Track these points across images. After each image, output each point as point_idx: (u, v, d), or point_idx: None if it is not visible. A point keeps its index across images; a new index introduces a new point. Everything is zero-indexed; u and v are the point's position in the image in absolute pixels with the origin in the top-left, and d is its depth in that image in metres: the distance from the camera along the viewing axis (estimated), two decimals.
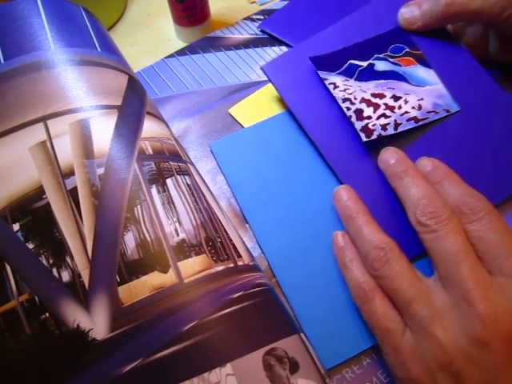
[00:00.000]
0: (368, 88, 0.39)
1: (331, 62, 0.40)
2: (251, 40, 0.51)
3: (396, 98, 0.38)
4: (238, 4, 0.56)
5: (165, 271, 0.26)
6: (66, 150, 0.27)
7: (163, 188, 0.29)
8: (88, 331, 0.24)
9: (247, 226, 0.38)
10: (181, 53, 0.50)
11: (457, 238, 0.28)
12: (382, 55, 0.41)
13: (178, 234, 0.27)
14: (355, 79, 0.39)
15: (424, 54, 0.41)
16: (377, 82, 0.39)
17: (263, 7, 0.56)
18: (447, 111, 0.38)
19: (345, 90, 0.38)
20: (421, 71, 0.40)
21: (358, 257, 0.31)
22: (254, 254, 0.36)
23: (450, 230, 0.28)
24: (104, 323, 0.24)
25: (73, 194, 0.26)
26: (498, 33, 0.41)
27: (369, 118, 0.37)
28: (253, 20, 0.53)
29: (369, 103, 0.38)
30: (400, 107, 0.37)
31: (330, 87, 0.38)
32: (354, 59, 0.40)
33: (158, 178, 0.29)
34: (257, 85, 0.47)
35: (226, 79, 0.48)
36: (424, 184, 0.31)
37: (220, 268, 0.27)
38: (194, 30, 0.51)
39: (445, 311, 0.26)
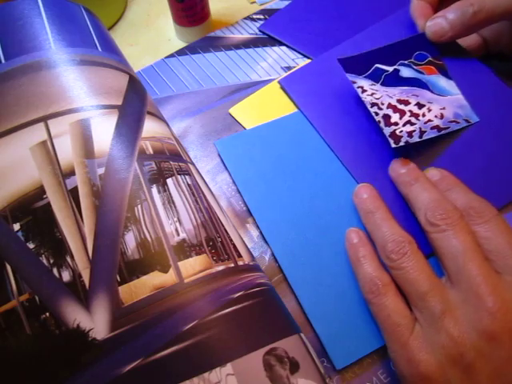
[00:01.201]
0: (394, 94, 0.39)
1: (358, 64, 0.41)
2: (251, 40, 0.51)
3: (420, 106, 0.39)
4: (238, 4, 0.56)
5: (165, 271, 0.25)
6: (66, 150, 0.27)
7: (164, 188, 0.29)
8: (88, 331, 0.24)
9: (247, 225, 0.38)
10: (181, 53, 0.50)
11: (465, 238, 0.29)
12: (406, 61, 0.42)
13: (178, 234, 0.27)
14: (381, 84, 0.40)
15: (445, 64, 0.42)
16: (402, 88, 0.40)
17: (263, 7, 0.56)
18: (467, 121, 0.39)
19: (372, 95, 0.39)
20: (442, 81, 0.41)
21: (373, 253, 0.32)
22: (255, 254, 0.36)
23: (459, 229, 0.29)
24: (104, 323, 0.24)
25: (73, 193, 0.26)
26: None
27: (396, 124, 0.37)
28: (253, 20, 0.53)
29: (395, 109, 0.38)
30: (424, 115, 0.38)
31: (359, 91, 0.39)
32: (380, 63, 0.41)
33: (159, 178, 0.29)
34: (257, 85, 0.47)
35: (225, 79, 0.48)
36: (434, 189, 0.32)
37: (220, 268, 0.27)
38: (194, 30, 0.51)
39: (456, 306, 0.27)
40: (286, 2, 0.54)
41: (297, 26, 0.51)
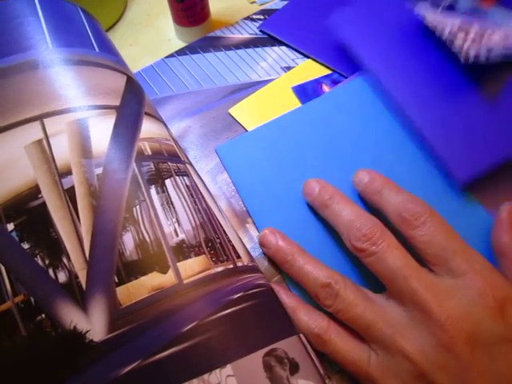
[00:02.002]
0: (455, 20, 0.38)
1: None
2: (251, 40, 0.51)
3: (484, 29, 0.37)
4: (238, 4, 0.57)
5: (164, 272, 0.25)
6: (63, 149, 0.27)
7: (162, 188, 0.29)
8: (85, 333, 0.23)
9: (247, 226, 0.38)
10: (181, 53, 0.50)
11: (395, 254, 0.28)
12: None
13: (177, 235, 0.27)
14: (441, 12, 0.40)
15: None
16: (462, 17, 0.39)
17: (263, 7, 0.56)
18: None
19: (434, 20, 0.38)
20: (502, 11, 0.40)
21: (299, 302, 0.31)
22: (254, 254, 0.36)
23: (387, 247, 0.28)
24: (102, 324, 0.24)
25: (70, 193, 0.26)
26: None
27: (464, 40, 0.37)
28: (253, 20, 0.54)
29: (460, 29, 0.37)
30: (489, 36, 0.37)
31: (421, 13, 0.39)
32: None
33: (157, 179, 0.29)
34: (257, 85, 0.47)
35: (225, 79, 0.48)
36: (351, 207, 0.31)
37: (219, 269, 0.27)
38: (193, 30, 0.51)
39: (404, 325, 0.27)
40: (286, 2, 0.55)
41: (297, 25, 0.51)
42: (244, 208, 0.39)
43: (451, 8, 0.40)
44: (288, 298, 0.31)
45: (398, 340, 0.26)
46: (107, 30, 0.54)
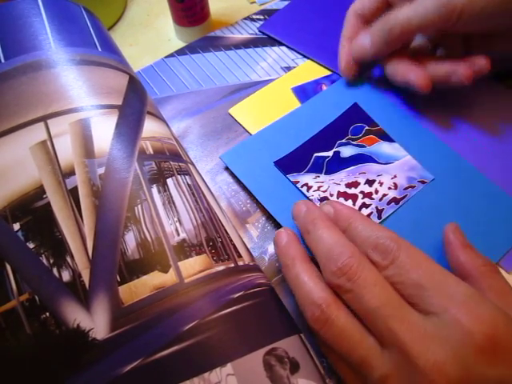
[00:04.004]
0: (341, 179, 0.38)
1: (296, 160, 0.39)
2: (251, 40, 0.51)
3: (370, 183, 0.37)
4: (238, 4, 0.56)
5: (165, 271, 0.25)
6: (66, 150, 0.27)
7: (164, 188, 0.29)
8: (88, 331, 0.24)
9: (247, 226, 0.38)
10: (181, 52, 0.50)
11: (373, 292, 0.25)
12: (344, 140, 0.41)
13: (178, 234, 0.27)
14: (325, 173, 0.39)
15: (383, 128, 0.41)
16: (347, 170, 0.39)
17: (263, 7, 0.56)
18: (422, 182, 0.38)
19: (319, 189, 0.37)
20: (385, 147, 0.40)
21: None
22: (254, 254, 0.36)
23: (364, 283, 0.26)
24: (104, 323, 0.24)
25: (73, 193, 0.26)
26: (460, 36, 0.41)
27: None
28: (253, 20, 0.53)
29: (346, 196, 0.37)
30: (377, 191, 0.37)
31: (304, 190, 0.37)
32: (319, 151, 0.40)
33: (159, 178, 0.29)
34: (257, 85, 0.47)
35: (225, 79, 0.48)
36: (330, 233, 0.29)
37: (220, 268, 0.27)
38: (193, 30, 0.51)
39: (391, 370, 0.24)
40: (286, 3, 0.54)
41: (296, 26, 0.51)
42: (244, 208, 0.39)
43: (336, 159, 0.39)
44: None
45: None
46: (107, 30, 0.54)
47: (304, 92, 0.46)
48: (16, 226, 0.26)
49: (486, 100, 0.44)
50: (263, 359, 0.24)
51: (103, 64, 0.32)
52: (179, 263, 0.26)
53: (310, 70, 0.48)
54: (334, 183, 0.38)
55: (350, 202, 0.36)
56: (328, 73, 0.47)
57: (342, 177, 0.38)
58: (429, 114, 0.42)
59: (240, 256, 0.30)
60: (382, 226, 0.29)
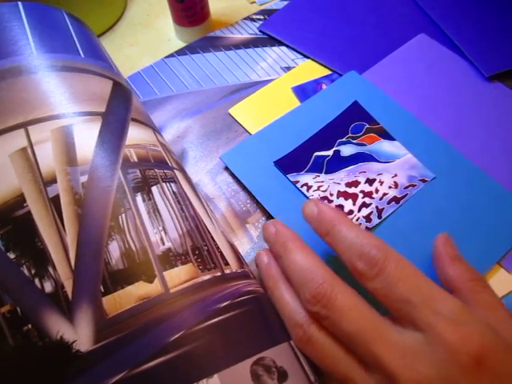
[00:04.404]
0: (341, 178, 0.38)
1: (296, 160, 0.39)
2: (251, 40, 0.51)
3: (371, 182, 0.37)
4: (238, 4, 0.56)
5: (150, 281, 0.25)
6: (47, 157, 0.27)
7: (148, 196, 0.28)
8: (72, 343, 0.23)
9: (247, 226, 0.38)
10: (181, 53, 0.50)
11: (350, 316, 0.25)
12: (344, 139, 0.40)
13: (163, 243, 0.27)
14: (325, 172, 0.39)
15: (384, 126, 0.41)
16: (347, 169, 0.39)
17: (263, 7, 0.56)
18: (423, 181, 0.38)
19: (319, 189, 0.37)
20: (386, 145, 0.40)
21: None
22: (254, 255, 0.35)
23: (339, 309, 0.25)
24: (88, 335, 0.23)
25: (55, 202, 0.26)
26: None
27: (351, 212, 0.36)
28: (252, 20, 0.54)
29: (346, 196, 0.37)
30: (377, 190, 0.37)
31: (303, 189, 0.38)
32: (319, 150, 0.40)
33: (143, 186, 0.28)
34: (257, 85, 0.47)
35: (225, 79, 0.48)
36: (301, 256, 0.28)
37: (207, 277, 0.27)
38: (193, 30, 0.51)
39: None
40: (286, 3, 0.54)
41: (296, 25, 0.51)
42: (244, 208, 0.39)
43: (336, 158, 0.39)
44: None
45: None
46: (107, 30, 0.54)
47: (304, 91, 0.45)
48: None
49: (489, 99, 0.44)
50: (250, 369, 0.24)
51: (86, 70, 0.31)
52: (164, 273, 0.26)
53: (309, 70, 0.48)
54: (334, 183, 0.38)
55: (350, 202, 0.36)
56: (328, 72, 0.47)
57: (342, 176, 0.38)
58: (430, 113, 0.43)
59: (227, 264, 0.29)
60: (367, 232, 0.28)
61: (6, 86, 0.28)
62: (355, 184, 0.37)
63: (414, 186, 0.37)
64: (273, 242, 0.30)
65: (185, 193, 0.31)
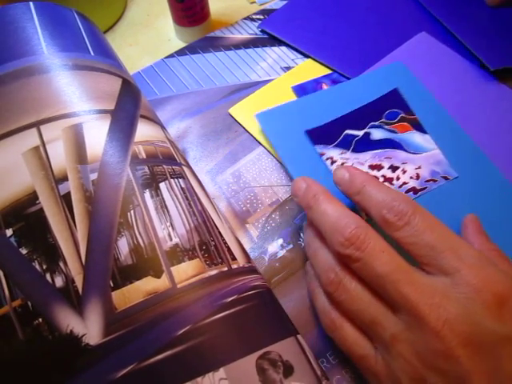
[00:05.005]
0: (365, 160, 0.39)
1: (327, 133, 0.40)
2: (251, 40, 0.51)
3: (394, 169, 0.38)
4: (238, 4, 0.56)
5: (158, 276, 0.25)
6: (59, 156, 0.27)
7: (156, 192, 0.29)
8: (81, 336, 0.24)
9: (247, 226, 0.38)
10: (181, 53, 0.50)
11: (382, 258, 0.26)
12: (377, 123, 0.41)
13: (171, 239, 0.27)
14: (352, 151, 0.39)
15: (419, 118, 0.41)
16: (374, 152, 0.39)
17: (263, 7, 0.56)
18: (445, 178, 0.38)
19: (342, 164, 0.38)
20: (417, 137, 0.40)
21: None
22: (254, 255, 0.36)
23: (372, 251, 0.26)
24: (97, 328, 0.24)
25: (66, 199, 0.26)
26: None
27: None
28: (252, 20, 0.54)
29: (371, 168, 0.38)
30: (398, 178, 0.38)
31: (328, 162, 0.38)
32: (350, 129, 0.41)
33: (152, 183, 0.29)
34: (257, 85, 0.47)
35: (225, 79, 0.48)
36: (333, 206, 0.29)
37: (213, 272, 0.27)
38: (193, 30, 0.51)
39: (403, 332, 0.25)
40: (286, 2, 0.54)
41: (296, 24, 0.51)
42: (244, 208, 0.39)
43: (365, 140, 0.40)
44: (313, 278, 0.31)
45: (399, 344, 0.25)
46: (107, 30, 0.54)
47: (304, 91, 0.45)
48: (9, 232, 0.26)
49: (490, 98, 0.44)
50: (256, 363, 0.24)
51: (96, 68, 0.32)
52: (172, 268, 0.26)
53: (309, 69, 0.48)
54: (358, 162, 0.38)
55: None
56: (328, 71, 0.47)
57: (368, 158, 0.39)
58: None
59: (234, 259, 0.29)
60: (396, 190, 0.29)
61: (20, 86, 0.29)
62: (378, 167, 0.38)
63: (435, 181, 0.37)
64: (302, 197, 0.31)
65: (193, 188, 0.31)
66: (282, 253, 0.36)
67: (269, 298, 0.29)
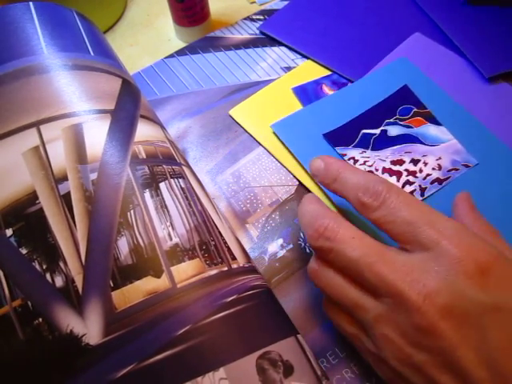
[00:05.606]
0: (386, 156, 0.40)
1: (344, 135, 0.41)
2: (251, 40, 0.51)
3: (415, 162, 0.39)
4: (238, 4, 0.56)
5: (158, 276, 0.25)
6: (59, 155, 0.27)
7: (156, 192, 0.29)
8: (81, 336, 0.24)
9: (247, 226, 0.38)
10: (181, 53, 0.50)
11: (353, 244, 0.26)
12: (392, 119, 0.42)
13: (171, 239, 0.27)
14: (371, 149, 0.40)
15: (432, 111, 0.42)
16: (393, 148, 0.40)
17: (263, 7, 0.56)
18: (466, 166, 0.39)
19: (365, 163, 0.39)
20: (432, 129, 0.41)
21: None
22: (254, 255, 0.36)
23: (342, 238, 0.26)
24: (97, 328, 0.24)
25: (66, 199, 0.26)
26: None
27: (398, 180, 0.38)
28: (252, 20, 0.54)
29: (391, 172, 0.38)
30: (421, 170, 0.39)
31: (350, 162, 0.39)
32: (366, 128, 0.41)
33: (152, 183, 0.29)
34: (257, 85, 0.47)
35: (225, 79, 0.48)
36: (311, 207, 0.29)
37: (213, 272, 0.27)
38: (193, 30, 0.51)
39: (384, 313, 0.25)
40: (286, 3, 0.54)
41: (296, 25, 0.51)
42: (244, 208, 0.39)
43: (383, 137, 0.41)
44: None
45: (380, 325, 0.25)
46: (107, 30, 0.54)
47: (304, 92, 0.46)
48: (9, 232, 0.26)
49: (489, 97, 0.44)
50: (256, 363, 0.24)
51: (96, 68, 0.32)
52: (172, 268, 0.26)
53: (310, 70, 0.48)
54: (379, 159, 0.39)
55: (394, 179, 0.38)
56: (328, 73, 0.47)
57: (388, 154, 0.40)
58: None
59: (234, 258, 0.29)
60: (371, 173, 0.29)
61: (19, 86, 0.29)
62: (400, 162, 0.39)
63: (456, 170, 0.39)
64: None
65: (192, 188, 0.31)
66: (282, 253, 0.36)
67: (269, 298, 0.29)
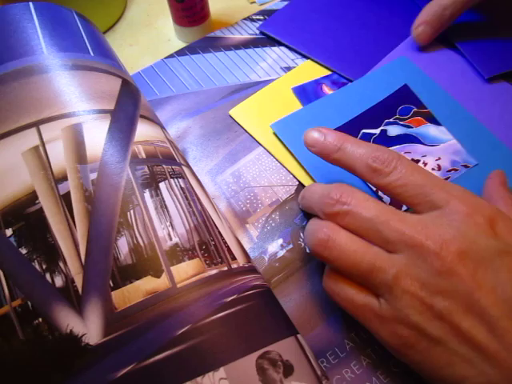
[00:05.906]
0: None
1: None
2: (251, 40, 0.51)
3: (415, 162, 0.38)
4: (238, 4, 0.56)
5: (158, 276, 0.25)
6: (58, 155, 0.27)
7: (156, 192, 0.29)
8: (81, 336, 0.24)
9: (247, 226, 0.38)
10: (181, 53, 0.50)
11: (369, 205, 0.28)
12: (392, 119, 0.42)
13: (171, 239, 0.27)
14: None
15: (431, 111, 0.42)
16: (392, 148, 0.40)
17: (263, 7, 0.56)
18: (465, 167, 0.39)
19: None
20: (432, 129, 0.41)
21: None
22: (254, 255, 0.36)
23: (358, 201, 0.28)
24: (97, 328, 0.24)
25: (66, 199, 0.26)
26: None
27: None
28: (252, 20, 0.54)
29: None
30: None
31: None
32: (366, 128, 0.41)
33: (151, 182, 0.29)
34: (257, 85, 0.47)
35: (225, 79, 0.48)
36: (318, 186, 0.32)
37: (213, 272, 0.27)
38: (193, 30, 0.51)
39: (404, 267, 0.26)
40: (286, 3, 0.54)
41: (296, 25, 0.51)
42: (244, 208, 0.39)
43: (383, 137, 0.41)
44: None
45: (401, 281, 0.26)
46: (107, 30, 0.54)
47: (304, 92, 0.45)
48: (8, 232, 0.26)
49: (490, 95, 0.44)
50: (256, 363, 0.24)
51: (95, 69, 0.32)
52: (172, 268, 0.26)
53: (310, 70, 0.48)
54: None
55: None
56: (328, 72, 0.47)
57: None
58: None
59: (234, 258, 0.29)
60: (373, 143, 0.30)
61: (19, 86, 0.29)
62: None
63: (456, 170, 0.39)
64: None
65: (192, 188, 0.31)
66: (281, 253, 0.36)
67: (269, 298, 0.29)
